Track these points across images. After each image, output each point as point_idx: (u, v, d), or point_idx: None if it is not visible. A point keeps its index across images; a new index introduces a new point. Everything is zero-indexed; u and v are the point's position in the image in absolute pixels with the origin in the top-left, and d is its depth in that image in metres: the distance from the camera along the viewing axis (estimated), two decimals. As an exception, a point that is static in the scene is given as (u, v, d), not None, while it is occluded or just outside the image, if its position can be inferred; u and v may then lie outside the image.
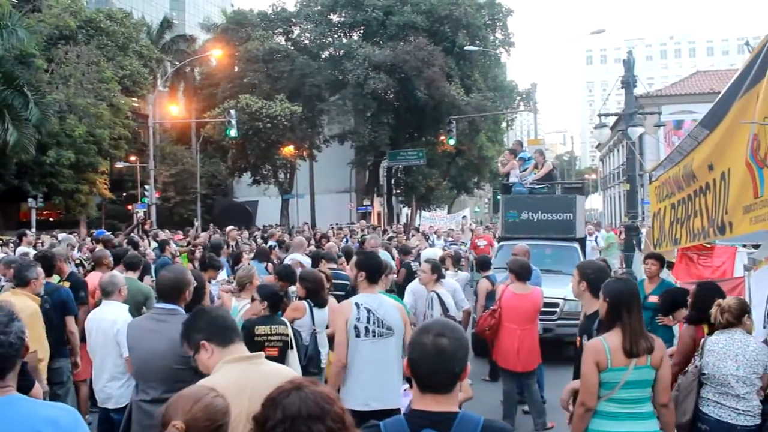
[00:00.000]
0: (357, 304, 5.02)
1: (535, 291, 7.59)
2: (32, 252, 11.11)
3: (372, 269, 5.20)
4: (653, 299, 7.20)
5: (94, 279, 7.58)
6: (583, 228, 14.56)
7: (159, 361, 3.83)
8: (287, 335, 5.18)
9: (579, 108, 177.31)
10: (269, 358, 4.77)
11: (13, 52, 28.53)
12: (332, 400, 1.94)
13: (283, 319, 5.32)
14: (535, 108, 44.63)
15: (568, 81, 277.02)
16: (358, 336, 4.94)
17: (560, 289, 10.73)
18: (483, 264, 9.66)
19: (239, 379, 2.98)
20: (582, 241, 13.61)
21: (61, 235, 21.06)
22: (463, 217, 26.65)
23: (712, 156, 5.22)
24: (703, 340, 4.83)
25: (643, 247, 14.24)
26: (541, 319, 8.09)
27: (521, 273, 7.47)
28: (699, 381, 4.70)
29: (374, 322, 4.97)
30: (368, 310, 4.97)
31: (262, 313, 5.38)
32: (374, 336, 4.94)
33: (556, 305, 10.59)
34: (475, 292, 9.48)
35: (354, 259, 5.60)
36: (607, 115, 23.48)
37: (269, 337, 5.12)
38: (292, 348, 5.22)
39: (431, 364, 2.36)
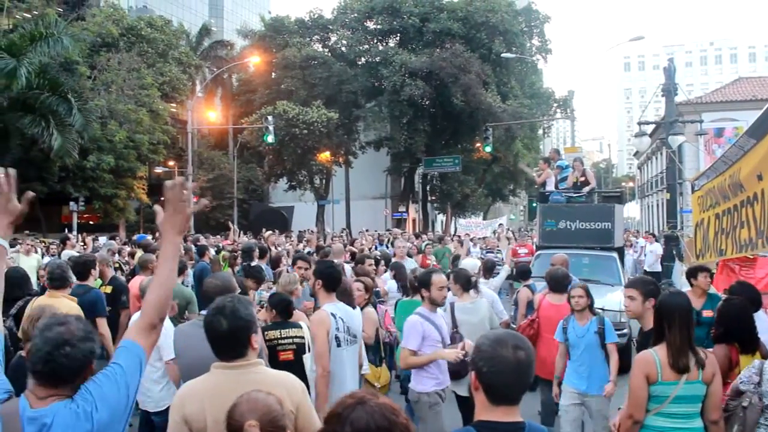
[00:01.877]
0: (333, 315, 5.09)
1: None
2: (73, 254, 11.32)
3: (330, 278, 5.25)
4: (707, 314, 6.98)
5: (136, 283, 7.67)
6: (621, 237, 14.37)
7: (204, 368, 3.84)
8: (302, 338, 5.16)
9: (616, 115, 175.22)
10: (284, 361, 4.84)
11: (58, 60, 29.17)
12: (397, 411, 1.94)
13: (300, 323, 5.33)
14: (572, 115, 44.22)
15: (605, 88, 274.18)
16: (339, 346, 5.05)
17: (598, 299, 10.56)
18: (523, 273, 9.57)
19: (220, 385, 3.01)
20: (620, 251, 13.43)
21: (102, 238, 21.45)
22: (500, 224, 26.41)
23: (760, 166, 5.12)
24: (760, 364, 4.57)
25: (684, 257, 14.02)
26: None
27: (557, 284, 7.39)
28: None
29: (344, 330, 5.10)
30: (342, 320, 5.10)
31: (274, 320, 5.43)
32: (346, 344, 5.09)
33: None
34: (515, 302, 9.41)
35: (314, 267, 5.70)
36: (647, 123, 23.15)
37: (280, 341, 5.11)
38: (308, 351, 5.21)
39: (511, 378, 2.39)
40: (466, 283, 6.95)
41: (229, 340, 3.13)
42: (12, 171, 2.77)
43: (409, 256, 11.84)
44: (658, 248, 19.83)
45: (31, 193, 2.93)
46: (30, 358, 2.40)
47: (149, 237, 17.04)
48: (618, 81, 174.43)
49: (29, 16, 32.01)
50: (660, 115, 41.18)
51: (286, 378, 3.21)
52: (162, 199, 2.82)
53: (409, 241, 17.66)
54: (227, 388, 2.83)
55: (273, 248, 11.71)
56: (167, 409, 5.44)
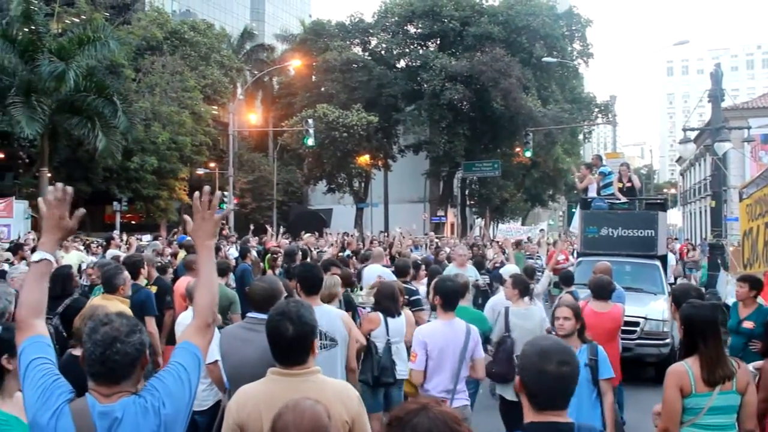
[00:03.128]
0: None
1: (615, 309, 7.39)
2: (118, 253, 11.53)
3: (308, 281, 5.20)
4: (748, 324, 6.85)
5: (181, 284, 7.78)
6: (665, 245, 14.14)
7: (249, 369, 3.87)
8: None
9: (658, 120, 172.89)
10: None
11: (104, 63, 29.79)
12: (460, 421, 1.96)
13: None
14: (614, 120, 43.69)
15: (647, 92, 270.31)
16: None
17: (641, 307, 10.45)
18: (567, 279, 9.47)
19: (278, 393, 3.00)
20: (664, 259, 13.23)
21: (145, 237, 21.83)
22: (541, 230, 26.12)
23: (814, 175, 5.02)
24: None
25: (729, 266, 13.75)
26: (620, 338, 7.89)
27: (601, 292, 7.31)
28: None
29: (318, 336, 4.96)
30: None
31: None
32: (322, 348, 4.82)
33: (636, 324, 10.30)
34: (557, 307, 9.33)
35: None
36: (692, 129, 22.76)
37: None
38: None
39: (555, 391, 2.47)
40: (524, 289, 6.95)
41: (293, 346, 3.13)
42: (69, 189, 2.83)
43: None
44: (672, 259, 18.94)
45: (82, 210, 3.00)
46: (85, 362, 2.47)
47: (190, 237, 17.27)
48: (661, 86, 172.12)
49: (78, 20, 32.76)
50: (704, 120, 40.47)
51: (343, 388, 3.21)
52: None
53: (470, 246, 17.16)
54: (285, 398, 2.83)
55: (311, 250, 11.74)
56: (209, 409, 5.56)
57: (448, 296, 5.39)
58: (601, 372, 5.07)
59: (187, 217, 3.06)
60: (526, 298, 7.00)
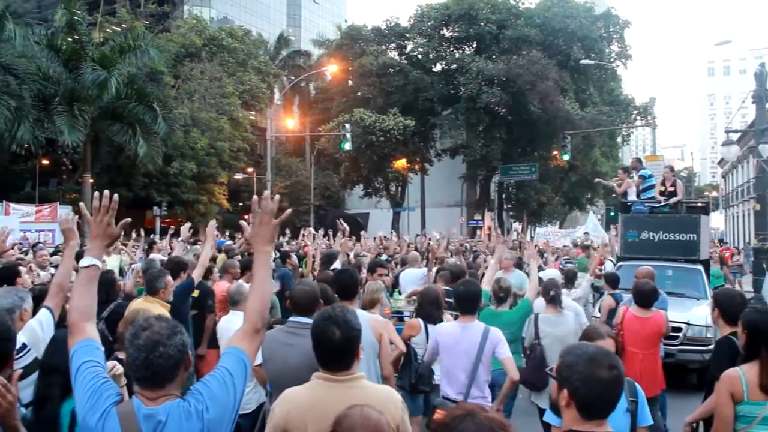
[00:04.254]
0: None
1: (658, 314, 7.25)
2: (160, 257, 11.64)
3: (343, 285, 5.24)
4: None
5: (222, 287, 7.85)
6: (707, 249, 13.88)
7: (290, 373, 3.91)
8: None
9: (699, 122, 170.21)
10: None
11: (144, 70, 30.30)
12: (506, 426, 1.94)
13: None
14: (653, 123, 43.04)
15: (687, 94, 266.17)
16: None
17: (683, 313, 10.28)
18: (612, 281, 9.33)
19: (323, 398, 3.02)
20: (706, 263, 12.99)
21: (181, 239, 21.98)
22: (585, 233, 25.53)
23: None
24: None
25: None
26: (663, 344, 7.76)
27: (645, 299, 7.18)
28: None
29: None
30: None
31: None
32: None
33: (678, 330, 10.13)
34: (599, 309, 9.23)
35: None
36: (734, 131, 22.37)
37: None
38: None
39: (607, 396, 2.45)
40: (548, 296, 6.89)
41: (340, 350, 3.13)
42: (116, 197, 2.91)
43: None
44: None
45: (128, 219, 3.08)
46: (129, 367, 2.52)
47: (229, 241, 17.37)
48: (701, 87, 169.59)
49: (119, 29, 33.41)
50: (747, 122, 39.71)
51: (388, 394, 3.21)
52: (242, 205, 2.95)
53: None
54: (330, 403, 2.82)
55: (348, 255, 11.62)
56: (253, 413, 5.61)
57: (461, 300, 5.54)
58: (641, 418, 4.15)
59: (243, 222, 3.08)
60: (560, 305, 6.91)
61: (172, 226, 20.43)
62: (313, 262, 10.78)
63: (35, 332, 4.08)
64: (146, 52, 27.32)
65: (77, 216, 4.08)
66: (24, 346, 3.96)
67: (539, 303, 7.32)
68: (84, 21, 27.71)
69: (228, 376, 2.58)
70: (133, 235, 15.60)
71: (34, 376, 3.50)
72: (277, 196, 3.03)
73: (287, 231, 21.20)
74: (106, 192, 2.91)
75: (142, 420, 2.41)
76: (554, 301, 6.89)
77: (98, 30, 32.51)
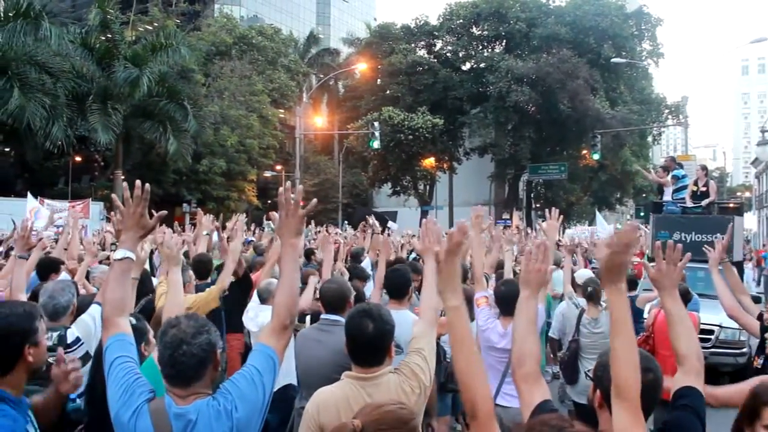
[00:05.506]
0: None
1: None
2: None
3: (397, 286, 5.14)
4: None
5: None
6: (740, 251, 13.66)
7: (319, 370, 3.92)
8: None
9: (732, 121, 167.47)
10: None
11: (175, 68, 30.61)
12: (569, 421, 1.87)
13: None
14: (685, 122, 42.44)
15: (720, 92, 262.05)
16: None
17: (715, 315, 10.11)
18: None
19: (356, 397, 3.02)
20: (740, 265, 12.77)
21: (205, 232, 22.07)
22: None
23: None
24: None
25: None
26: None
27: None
28: None
29: None
30: None
31: None
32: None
33: (710, 332, 10.00)
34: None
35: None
36: (769, 130, 21.96)
37: None
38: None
39: (644, 400, 2.38)
40: (587, 295, 6.85)
41: (373, 344, 3.13)
42: (147, 186, 2.85)
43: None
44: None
45: (163, 212, 3.05)
46: (159, 364, 2.54)
47: (252, 238, 17.43)
48: (735, 85, 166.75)
49: (151, 28, 33.80)
50: (783, 121, 38.98)
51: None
52: (270, 202, 2.93)
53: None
54: (361, 402, 2.82)
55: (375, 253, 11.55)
56: (276, 404, 5.60)
57: (502, 300, 5.53)
58: None
59: (273, 213, 3.03)
60: (599, 303, 6.84)
61: (194, 218, 20.47)
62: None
63: (89, 327, 4.15)
64: (177, 50, 27.60)
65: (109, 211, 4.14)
66: (77, 339, 4.04)
67: (565, 307, 7.32)
68: (117, 20, 28.08)
69: (256, 374, 2.57)
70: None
71: (86, 368, 3.50)
72: (300, 186, 2.99)
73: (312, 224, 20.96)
74: (138, 182, 2.85)
75: (173, 418, 2.42)
76: (592, 298, 6.83)
77: (131, 29, 32.90)
